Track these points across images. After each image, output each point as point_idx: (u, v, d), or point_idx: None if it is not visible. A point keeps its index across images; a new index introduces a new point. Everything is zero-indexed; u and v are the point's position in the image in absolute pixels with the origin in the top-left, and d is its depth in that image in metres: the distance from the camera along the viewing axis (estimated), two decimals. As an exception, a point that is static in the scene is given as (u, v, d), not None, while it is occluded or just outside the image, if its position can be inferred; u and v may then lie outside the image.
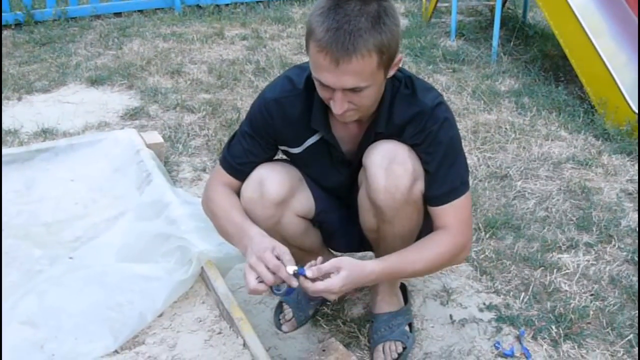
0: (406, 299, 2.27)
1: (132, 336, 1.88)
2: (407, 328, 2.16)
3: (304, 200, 1.99)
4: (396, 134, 1.80)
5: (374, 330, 2.14)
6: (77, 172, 2.70)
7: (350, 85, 1.59)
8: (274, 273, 1.63)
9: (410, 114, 1.76)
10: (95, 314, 1.92)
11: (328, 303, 2.30)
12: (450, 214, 1.81)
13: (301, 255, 2.13)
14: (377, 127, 1.80)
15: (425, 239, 1.83)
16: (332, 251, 2.24)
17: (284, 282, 1.64)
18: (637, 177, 3.23)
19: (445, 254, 1.81)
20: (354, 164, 1.92)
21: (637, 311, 2.30)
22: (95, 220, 2.42)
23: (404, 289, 2.31)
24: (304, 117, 1.82)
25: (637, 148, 3.52)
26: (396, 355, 2.06)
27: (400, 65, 1.71)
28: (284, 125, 1.86)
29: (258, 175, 1.90)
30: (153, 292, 1.95)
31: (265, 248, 1.67)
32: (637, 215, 2.89)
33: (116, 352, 1.84)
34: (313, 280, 1.63)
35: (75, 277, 2.06)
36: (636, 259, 2.58)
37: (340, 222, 2.10)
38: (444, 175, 1.79)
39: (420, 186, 1.81)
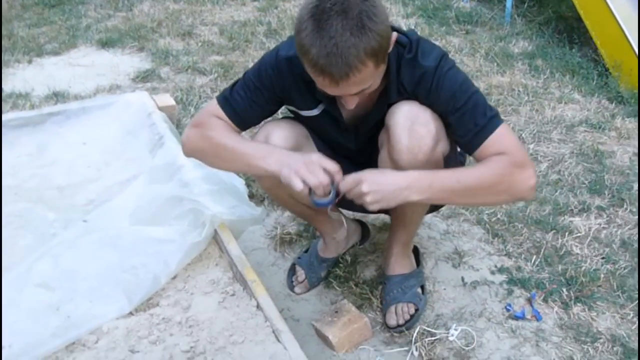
0: (418, 262, 2.28)
1: (146, 298, 1.90)
2: (419, 290, 2.17)
3: None
4: (409, 99, 1.79)
5: (386, 292, 2.16)
6: (89, 136, 2.70)
7: (354, 92, 1.62)
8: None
9: (416, 77, 1.75)
10: (110, 276, 1.94)
11: (341, 264, 2.31)
12: (494, 144, 1.72)
13: (310, 214, 2.15)
14: (389, 99, 1.80)
15: (475, 164, 1.75)
16: (341, 211, 2.23)
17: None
18: (650, 140, 3.21)
19: (502, 171, 1.68)
20: (362, 131, 1.92)
21: (648, 274, 2.30)
22: (108, 184, 2.42)
23: (416, 251, 2.32)
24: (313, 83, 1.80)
25: (651, 111, 3.49)
26: (408, 317, 2.08)
27: (396, 39, 1.68)
28: (293, 85, 1.83)
29: (264, 130, 1.90)
30: (167, 255, 1.97)
31: (316, 158, 1.68)
32: (650, 179, 2.87)
33: (131, 314, 1.86)
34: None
35: (89, 240, 2.08)
36: (648, 222, 2.58)
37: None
38: (469, 118, 1.73)
39: (442, 147, 1.81)
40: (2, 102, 3.48)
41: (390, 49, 1.64)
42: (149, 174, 2.35)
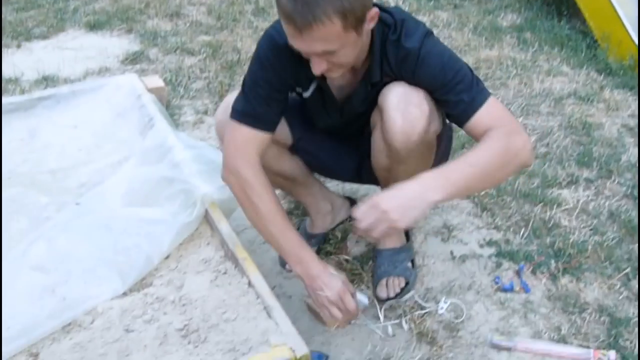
0: (408, 237, 2.31)
1: (140, 278, 1.92)
2: (409, 264, 2.21)
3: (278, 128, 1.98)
4: (394, 79, 1.81)
5: (377, 265, 2.19)
6: (79, 119, 2.71)
7: (319, 50, 1.61)
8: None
9: (400, 58, 1.77)
10: (103, 258, 1.96)
11: (331, 241, 2.34)
12: (484, 117, 1.72)
13: (286, 185, 2.22)
14: (371, 78, 1.82)
15: (475, 146, 1.73)
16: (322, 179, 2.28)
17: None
18: (638, 112, 3.24)
19: (504, 143, 1.68)
20: (345, 109, 1.96)
21: (635, 245, 2.34)
22: (100, 166, 2.44)
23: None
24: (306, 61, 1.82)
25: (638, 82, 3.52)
26: (399, 290, 2.12)
27: (377, 18, 1.69)
28: (289, 62, 1.82)
29: (228, 100, 1.95)
30: (159, 235, 1.99)
31: (342, 290, 1.83)
32: (637, 150, 2.90)
33: (125, 294, 1.88)
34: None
35: (82, 222, 2.10)
36: (636, 194, 2.61)
37: (331, 152, 2.14)
38: (457, 93, 1.74)
39: (434, 127, 1.84)
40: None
41: (370, 24, 1.65)
42: (139, 156, 2.37)
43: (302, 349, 1.64)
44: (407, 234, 2.32)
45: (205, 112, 3.23)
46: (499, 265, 2.28)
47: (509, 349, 1.96)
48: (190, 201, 2.06)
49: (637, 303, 2.10)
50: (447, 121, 1.98)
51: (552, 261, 2.27)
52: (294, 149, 2.17)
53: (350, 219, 2.45)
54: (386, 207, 1.56)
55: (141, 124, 2.59)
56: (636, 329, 2.01)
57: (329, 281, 1.82)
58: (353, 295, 1.84)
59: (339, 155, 2.18)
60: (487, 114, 1.72)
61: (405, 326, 2.05)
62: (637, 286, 2.16)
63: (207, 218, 2.09)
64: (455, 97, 1.74)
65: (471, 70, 1.78)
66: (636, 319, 2.05)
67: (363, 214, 1.59)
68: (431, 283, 2.21)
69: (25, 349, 1.73)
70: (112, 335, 1.76)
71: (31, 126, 2.67)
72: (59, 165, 2.46)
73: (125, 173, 2.30)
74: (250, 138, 1.88)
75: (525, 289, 2.16)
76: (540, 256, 2.29)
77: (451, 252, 2.33)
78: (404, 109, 1.78)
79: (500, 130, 1.69)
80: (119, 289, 1.88)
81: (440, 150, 2.00)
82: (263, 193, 1.87)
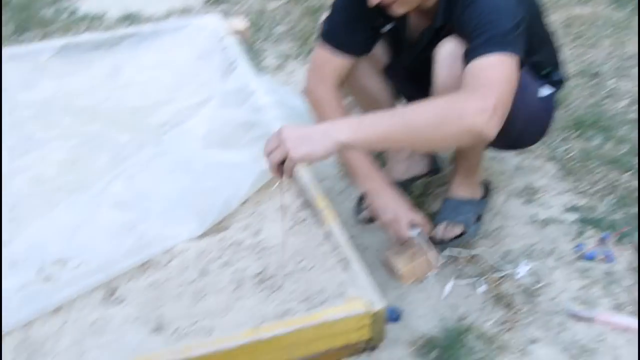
0: (487, 193, 2.25)
1: (217, 222, 1.92)
2: (473, 217, 2.14)
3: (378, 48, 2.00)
4: (457, 28, 1.72)
5: (440, 211, 2.15)
6: (161, 59, 2.71)
7: None
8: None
9: (466, 3, 1.67)
10: (182, 199, 1.97)
11: (411, 194, 2.30)
12: (474, 68, 1.55)
13: (369, 107, 2.15)
14: (435, 22, 1.78)
15: None
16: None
17: None
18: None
19: (453, 99, 1.51)
20: (414, 53, 1.93)
21: None
22: (180, 107, 2.43)
23: (487, 186, 2.28)
24: None
25: None
26: (453, 236, 2.07)
27: None
28: None
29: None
30: (238, 179, 1.98)
31: (400, 216, 1.91)
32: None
33: (201, 236, 1.89)
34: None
35: (162, 162, 2.11)
36: None
37: (415, 92, 2.08)
38: (480, 34, 1.58)
39: None
40: (77, 24, 3.52)
41: None
42: (220, 98, 2.35)
43: (379, 303, 1.62)
44: (487, 193, 2.25)
45: (288, 58, 3.19)
46: (581, 232, 2.19)
47: (588, 320, 1.89)
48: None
49: None
50: (544, 94, 1.91)
51: (637, 232, 2.17)
52: (387, 74, 2.14)
53: (428, 174, 2.40)
54: (286, 135, 1.48)
55: (223, 66, 2.57)
56: None
57: (392, 203, 1.91)
58: (412, 226, 1.92)
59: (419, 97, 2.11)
60: (478, 67, 1.54)
61: (482, 287, 2.00)
62: None
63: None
64: (474, 41, 1.59)
65: (518, 26, 1.61)
66: None
67: (268, 140, 1.53)
68: (511, 245, 2.14)
69: (104, 284, 1.76)
70: (188, 276, 1.77)
71: (114, 63, 2.69)
72: (141, 104, 2.47)
73: (206, 115, 2.29)
74: (329, 59, 1.92)
75: (609, 258, 2.08)
76: (626, 226, 2.20)
77: (533, 216, 2.26)
78: (450, 65, 1.71)
79: (463, 90, 1.52)
80: (196, 230, 1.89)
81: (516, 121, 1.87)
82: (335, 113, 1.90)
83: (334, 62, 1.94)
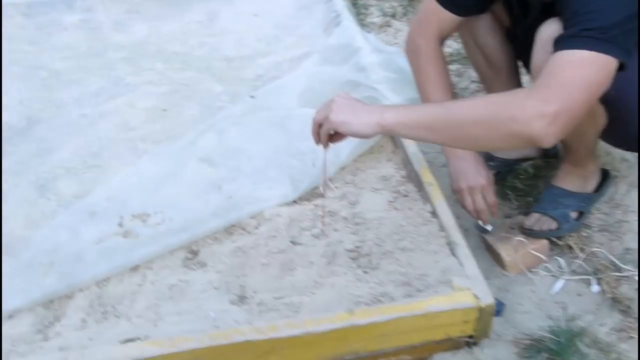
0: (600, 188, 2.00)
1: (312, 187, 1.76)
2: (573, 214, 1.90)
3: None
4: (561, 7, 1.47)
5: (539, 198, 1.92)
6: (261, 7, 2.57)
7: None
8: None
9: None
10: (275, 159, 1.82)
11: (521, 176, 2.08)
12: (551, 64, 1.31)
13: (483, 68, 2.00)
14: None
15: None
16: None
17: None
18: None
19: (510, 98, 1.30)
20: (526, 23, 1.71)
21: None
22: (278, 60, 2.28)
23: (604, 176, 2.03)
24: None
25: None
26: (544, 229, 1.84)
27: None
28: None
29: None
30: (337, 144, 1.81)
31: (481, 186, 1.71)
32: None
33: (294, 202, 1.73)
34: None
35: (256, 118, 1.96)
36: None
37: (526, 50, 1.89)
38: (580, 18, 1.32)
39: None
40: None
41: None
42: (322, 54, 2.19)
43: (488, 298, 1.43)
44: (603, 184, 2.00)
45: (393, 15, 2.98)
46: None
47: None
48: (375, 110, 1.86)
49: None
50: None
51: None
52: (508, 36, 1.93)
53: (541, 157, 2.16)
54: (336, 100, 1.41)
55: (326, 19, 2.41)
56: None
57: (472, 172, 1.71)
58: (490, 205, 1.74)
59: None
60: (560, 62, 1.30)
61: (596, 287, 1.78)
62: None
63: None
64: (569, 28, 1.34)
65: (628, 20, 1.32)
66: None
67: (325, 101, 1.44)
68: (632, 243, 1.91)
69: (186, 244, 1.62)
70: (277, 244, 1.61)
71: (211, 9, 2.56)
72: (236, 54, 2.33)
73: (306, 70, 2.13)
74: (435, 12, 1.74)
75: None
76: None
77: (659, 210, 2.01)
78: (547, 49, 1.45)
79: (531, 85, 1.32)
80: (289, 195, 1.73)
81: (619, 115, 1.61)
82: (430, 65, 1.75)
83: (440, 16, 1.76)
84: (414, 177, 1.75)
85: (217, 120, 1.96)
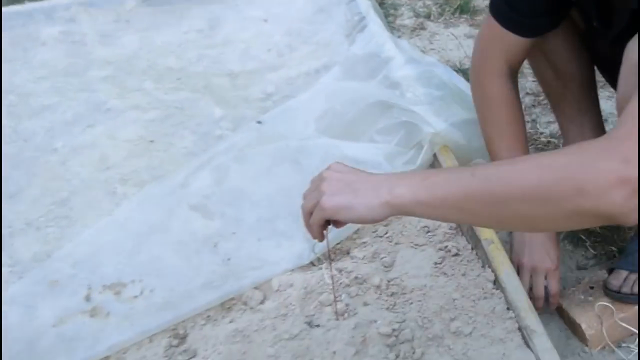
0: None
1: (335, 244, 1.36)
2: None
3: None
4: None
5: (626, 249, 1.50)
6: (271, 11, 2.25)
7: None
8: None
9: None
10: (287, 205, 1.43)
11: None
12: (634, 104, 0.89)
13: (553, 85, 1.63)
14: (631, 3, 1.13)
15: None
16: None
17: None
18: None
19: (560, 167, 0.85)
20: (610, 34, 1.33)
21: None
22: (292, 74, 1.93)
23: None
24: None
25: None
26: (635, 292, 1.43)
27: None
28: None
29: None
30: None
31: (546, 269, 1.38)
32: None
33: (312, 264, 1.34)
34: None
35: (263, 151, 1.58)
36: None
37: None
38: None
39: None
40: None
41: None
42: (344, 66, 1.82)
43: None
44: None
45: (428, 16, 2.58)
46: None
47: None
48: (413, 140, 1.47)
49: None
50: None
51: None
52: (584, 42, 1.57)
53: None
54: (328, 175, 1.01)
55: (349, 24, 2.05)
56: None
57: (538, 250, 1.38)
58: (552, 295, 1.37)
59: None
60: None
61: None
62: None
63: (434, 166, 1.49)
64: None
65: None
66: None
67: (313, 178, 1.06)
68: None
69: (170, 326, 1.24)
70: (288, 327, 1.22)
71: (212, 15, 2.21)
72: (241, 68, 1.98)
73: (325, 87, 1.75)
74: (499, 38, 1.42)
75: None
76: None
77: None
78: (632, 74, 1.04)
79: (602, 139, 0.85)
80: (305, 255, 1.34)
81: None
82: (502, 111, 1.43)
83: (506, 41, 1.43)
84: (466, 230, 1.35)
85: (214, 154, 1.58)
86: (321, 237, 1.02)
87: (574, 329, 1.40)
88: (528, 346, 1.12)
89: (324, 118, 1.64)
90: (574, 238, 1.62)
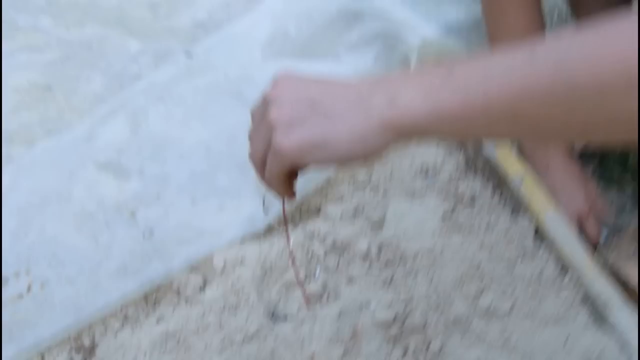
0: None
1: (296, 204, 0.98)
2: None
3: None
4: None
5: None
6: None
7: None
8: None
9: None
10: (230, 153, 1.04)
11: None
12: None
13: None
14: None
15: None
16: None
17: None
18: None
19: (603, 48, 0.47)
20: None
21: None
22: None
23: None
24: None
25: None
26: None
27: None
28: None
29: None
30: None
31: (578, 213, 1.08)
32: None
33: (266, 233, 0.96)
34: None
35: (194, 86, 1.17)
36: None
37: None
38: None
39: None
40: None
41: None
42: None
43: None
44: None
45: None
46: None
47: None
48: (395, 54, 1.08)
49: None
50: None
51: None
52: None
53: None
54: (275, 95, 0.60)
55: None
56: None
57: (567, 191, 1.10)
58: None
59: None
60: None
61: None
62: None
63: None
64: None
65: None
66: None
67: (254, 107, 0.66)
68: None
69: (72, 332, 0.86)
70: (242, 323, 0.84)
71: None
72: (163, -6, 1.53)
73: (271, 6, 1.33)
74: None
75: None
76: None
77: None
78: None
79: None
80: (259, 219, 0.96)
81: None
82: (519, 9, 1.05)
83: None
84: (481, 165, 0.97)
85: (130, 95, 1.17)
86: (291, 193, 0.63)
87: (622, 283, 1.06)
88: (601, 325, 0.76)
89: (273, 44, 1.24)
90: (607, 179, 1.27)
